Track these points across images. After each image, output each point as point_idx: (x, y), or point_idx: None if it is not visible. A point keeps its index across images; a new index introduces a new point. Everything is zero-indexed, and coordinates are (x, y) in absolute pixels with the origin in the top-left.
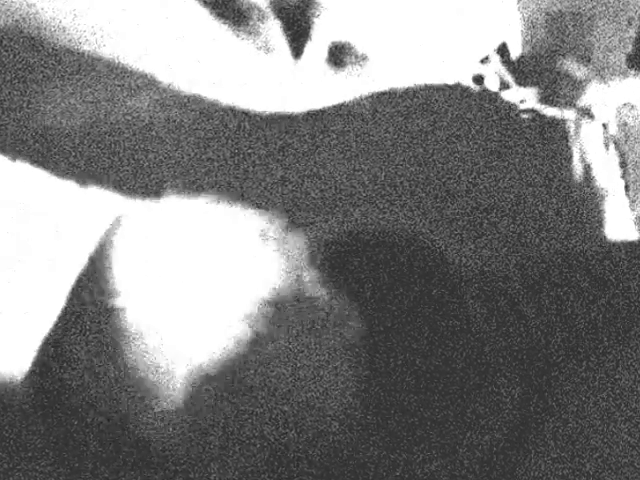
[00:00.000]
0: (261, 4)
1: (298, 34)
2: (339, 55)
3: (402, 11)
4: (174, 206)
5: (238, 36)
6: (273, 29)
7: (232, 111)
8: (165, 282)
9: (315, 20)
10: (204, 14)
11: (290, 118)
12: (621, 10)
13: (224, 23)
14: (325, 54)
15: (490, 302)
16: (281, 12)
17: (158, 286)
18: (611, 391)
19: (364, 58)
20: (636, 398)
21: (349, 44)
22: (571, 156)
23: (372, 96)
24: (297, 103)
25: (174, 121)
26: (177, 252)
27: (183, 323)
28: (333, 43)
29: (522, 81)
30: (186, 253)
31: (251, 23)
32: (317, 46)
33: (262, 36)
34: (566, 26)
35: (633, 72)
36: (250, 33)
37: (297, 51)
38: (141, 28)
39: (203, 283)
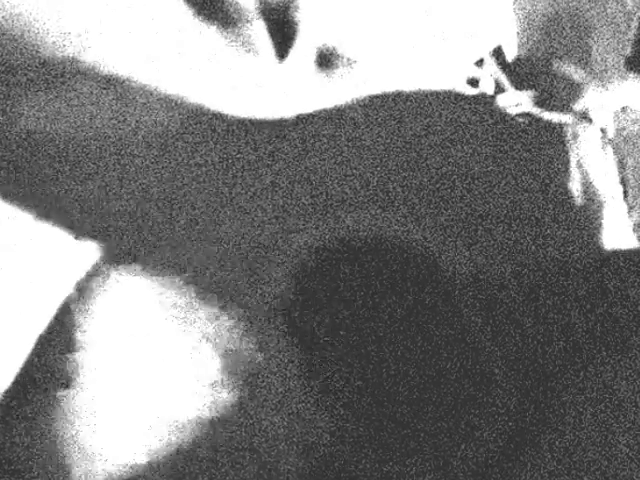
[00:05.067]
0: (248, 5)
1: (285, 36)
2: (328, 57)
3: (394, 13)
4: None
5: (224, 38)
6: (258, 31)
7: (220, 115)
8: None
9: (302, 22)
10: (190, 16)
11: (280, 122)
12: (619, 12)
13: (210, 25)
14: (313, 56)
15: (485, 310)
16: (268, 13)
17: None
18: (609, 402)
19: (354, 61)
20: (635, 409)
21: (338, 46)
22: (568, 161)
23: (364, 100)
24: (285, 106)
25: (161, 125)
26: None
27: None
28: (322, 45)
29: (518, 84)
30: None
31: (238, 24)
32: (303, 48)
33: (247, 38)
34: (563, 28)
35: (631, 75)
36: (236, 35)
37: (282, 53)
38: (126, 30)
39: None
